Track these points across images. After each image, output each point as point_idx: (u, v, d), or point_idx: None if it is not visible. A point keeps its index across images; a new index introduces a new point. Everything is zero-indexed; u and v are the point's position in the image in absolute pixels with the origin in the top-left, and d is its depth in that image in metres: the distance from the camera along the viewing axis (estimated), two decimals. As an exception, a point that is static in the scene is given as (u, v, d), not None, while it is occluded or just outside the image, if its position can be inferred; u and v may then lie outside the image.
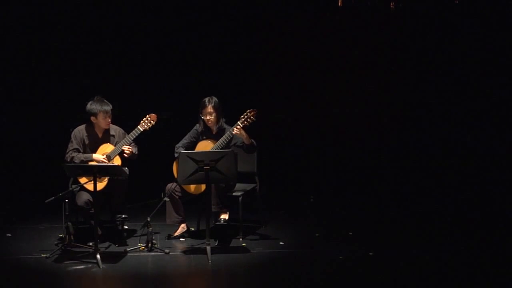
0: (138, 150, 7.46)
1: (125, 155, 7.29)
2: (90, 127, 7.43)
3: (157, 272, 6.59)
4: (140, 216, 7.56)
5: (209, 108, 7.48)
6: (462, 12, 10.62)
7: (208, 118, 7.49)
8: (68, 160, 7.33)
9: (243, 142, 7.39)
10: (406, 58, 10.82)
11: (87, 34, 10.27)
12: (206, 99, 7.51)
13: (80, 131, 7.44)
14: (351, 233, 7.67)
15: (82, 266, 6.66)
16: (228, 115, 7.59)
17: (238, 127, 7.27)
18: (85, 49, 10.29)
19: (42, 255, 6.92)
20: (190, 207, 7.66)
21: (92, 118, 7.37)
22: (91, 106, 7.34)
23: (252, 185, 7.80)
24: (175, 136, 7.71)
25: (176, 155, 7.40)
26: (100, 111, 7.31)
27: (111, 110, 7.36)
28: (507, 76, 10.51)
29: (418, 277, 6.36)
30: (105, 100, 7.36)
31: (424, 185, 9.64)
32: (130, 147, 7.31)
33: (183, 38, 10.46)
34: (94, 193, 6.83)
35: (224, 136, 7.34)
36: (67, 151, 7.37)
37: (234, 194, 7.56)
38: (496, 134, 10.57)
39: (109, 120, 7.38)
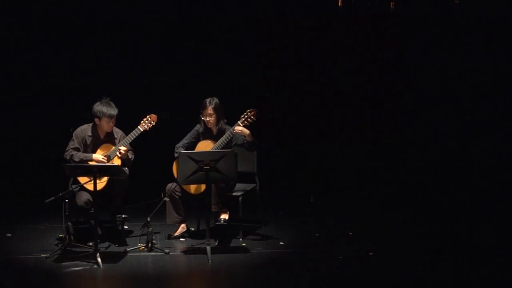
0: (135, 156, 7.40)
1: (119, 154, 7.24)
2: (93, 127, 7.41)
3: (157, 272, 6.60)
4: (140, 216, 7.55)
5: (210, 110, 7.46)
6: (462, 12, 10.62)
7: (208, 119, 7.47)
8: (68, 158, 7.30)
9: (245, 140, 7.36)
10: (406, 58, 10.81)
11: (87, 33, 10.26)
12: (207, 100, 7.48)
13: (83, 130, 7.41)
14: (351, 233, 7.67)
15: (82, 266, 6.66)
16: (228, 115, 7.58)
17: (239, 126, 7.28)
18: (85, 49, 10.29)
19: (42, 255, 6.91)
20: (190, 207, 7.66)
21: (96, 119, 7.33)
22: (97, 108, 7.29)
23: (252, 185, 7.80)
24: (175, 136, 7.70)
25: (176, 155, 7.39)
26: (105, 115, 7.26)
27: (116, 115, 7.33)
28: (507, 75, 10.51)
29: (418, 277, 6.36)
30: (112, 104, 7.30)
31: (424, 185, 9.62)
32: (126, 148, 7.26)
33: (183, 38, 10.46)
34: (94, 193, 6.83)
35: (224, 136, 7.33)
36: (67, 149, 7.34)
37: (234, 194, 7.55)
38: (496, 134, 10.58)
39: (112, 124, 7.35)
